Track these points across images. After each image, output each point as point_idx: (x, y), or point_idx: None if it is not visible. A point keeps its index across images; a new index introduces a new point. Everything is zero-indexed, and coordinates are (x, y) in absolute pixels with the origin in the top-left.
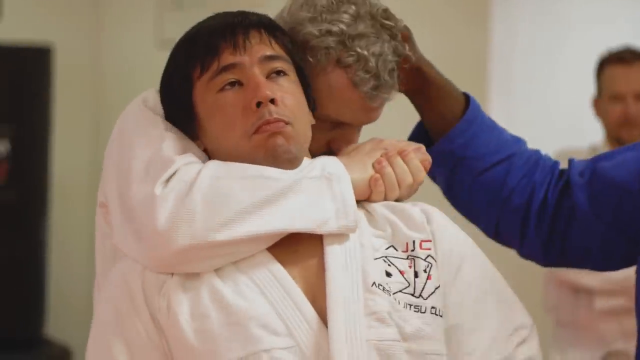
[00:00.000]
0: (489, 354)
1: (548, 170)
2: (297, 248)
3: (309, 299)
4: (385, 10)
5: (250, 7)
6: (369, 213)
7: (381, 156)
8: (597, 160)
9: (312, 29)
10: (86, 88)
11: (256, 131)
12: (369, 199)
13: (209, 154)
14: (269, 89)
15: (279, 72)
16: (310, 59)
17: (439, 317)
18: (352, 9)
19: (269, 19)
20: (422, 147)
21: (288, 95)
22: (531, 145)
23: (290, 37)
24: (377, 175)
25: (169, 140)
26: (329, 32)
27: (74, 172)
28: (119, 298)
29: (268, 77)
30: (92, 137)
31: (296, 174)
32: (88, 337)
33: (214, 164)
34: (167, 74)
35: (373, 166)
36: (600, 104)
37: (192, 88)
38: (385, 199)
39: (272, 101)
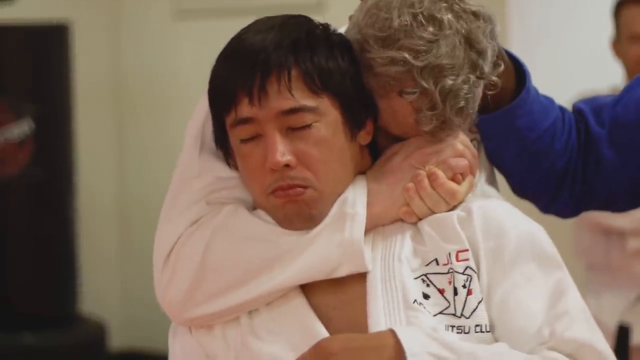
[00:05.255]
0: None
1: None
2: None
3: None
4: (474, 30)
5: None
6: (415, 226)
7: (412, 179)
8: (612, 105)
9: (378, 55)
10: (105, 63)
11: (272, 192)
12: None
13: None
14: (282, 153)
15: (302, 127)
16: (373, 83)
17: (486, 333)
18: (430, 30)
19: (302, 46)
20: (463, 151)
21: (311, 148)
22: (552, 87)
23: (355, 53)
24: (405, 209)
25: (193, 187)
26: (393, 61)
27: (98, 148)
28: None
29: (289, 129)
30: (114, 111)
31: (303, 234)
32: (121, 312)
33: (219, 226)
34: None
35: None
36: (619, 45)
37: (225, 121)
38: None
39: (288, 164)
